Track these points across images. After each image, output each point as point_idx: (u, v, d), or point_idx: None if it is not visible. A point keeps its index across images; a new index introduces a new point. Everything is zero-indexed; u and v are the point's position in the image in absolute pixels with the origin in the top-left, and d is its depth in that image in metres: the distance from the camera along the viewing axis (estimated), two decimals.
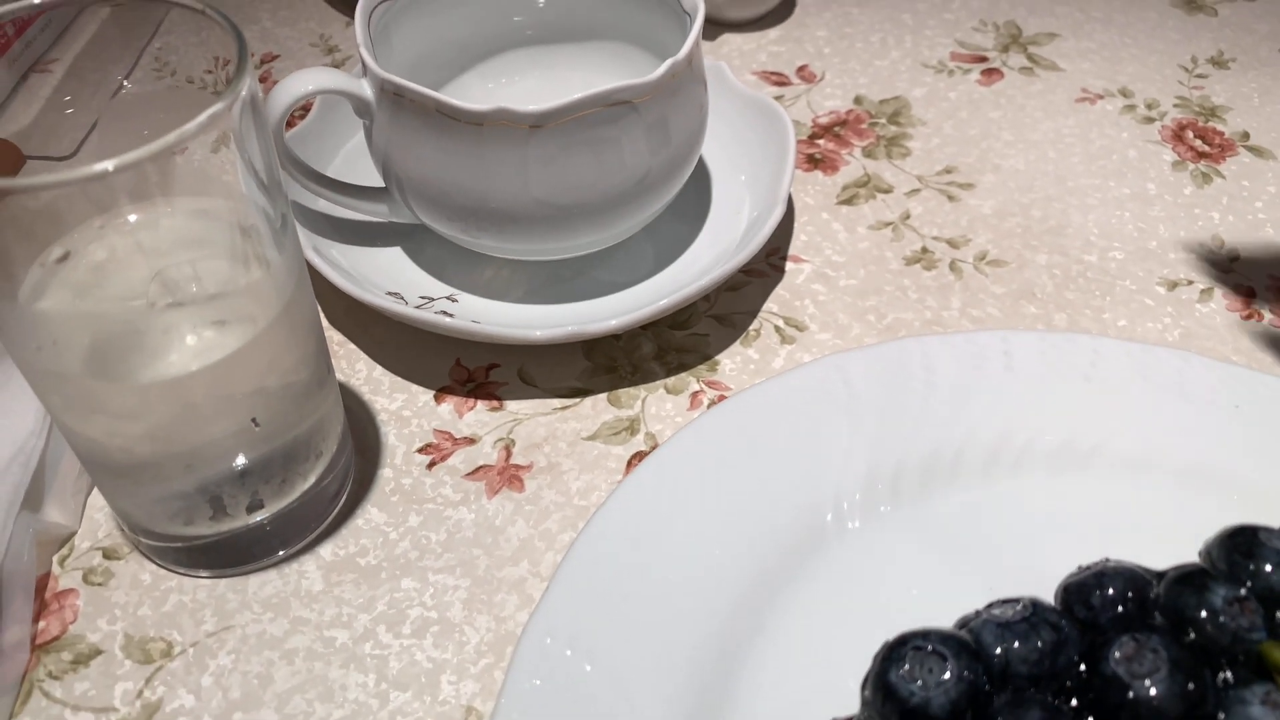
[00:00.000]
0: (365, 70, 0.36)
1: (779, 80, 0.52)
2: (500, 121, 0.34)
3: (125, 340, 0.27)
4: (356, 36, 0.37)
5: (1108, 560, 0.25)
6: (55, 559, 0.34)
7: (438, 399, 0.38)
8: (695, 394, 0.38)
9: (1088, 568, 0.25)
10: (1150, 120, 0.50)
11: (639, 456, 0.36)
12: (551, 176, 0.36)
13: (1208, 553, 0.25)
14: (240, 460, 0.30)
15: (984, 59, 0.54)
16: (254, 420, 0.29)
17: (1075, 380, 0.36)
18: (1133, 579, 0.24)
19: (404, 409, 0.38)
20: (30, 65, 0.41)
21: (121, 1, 0.30)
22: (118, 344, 0.27)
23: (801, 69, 0.53)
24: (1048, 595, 0.25)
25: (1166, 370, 0.36)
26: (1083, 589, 0.24)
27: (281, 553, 0.33)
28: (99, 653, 0.31)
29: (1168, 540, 0.27)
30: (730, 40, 0.55)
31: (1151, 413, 0.35)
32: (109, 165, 0.23)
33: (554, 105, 0.34)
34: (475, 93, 0.44)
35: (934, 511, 0.33)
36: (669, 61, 0.35)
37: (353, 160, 0.44)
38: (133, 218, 0.28)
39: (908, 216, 0.45)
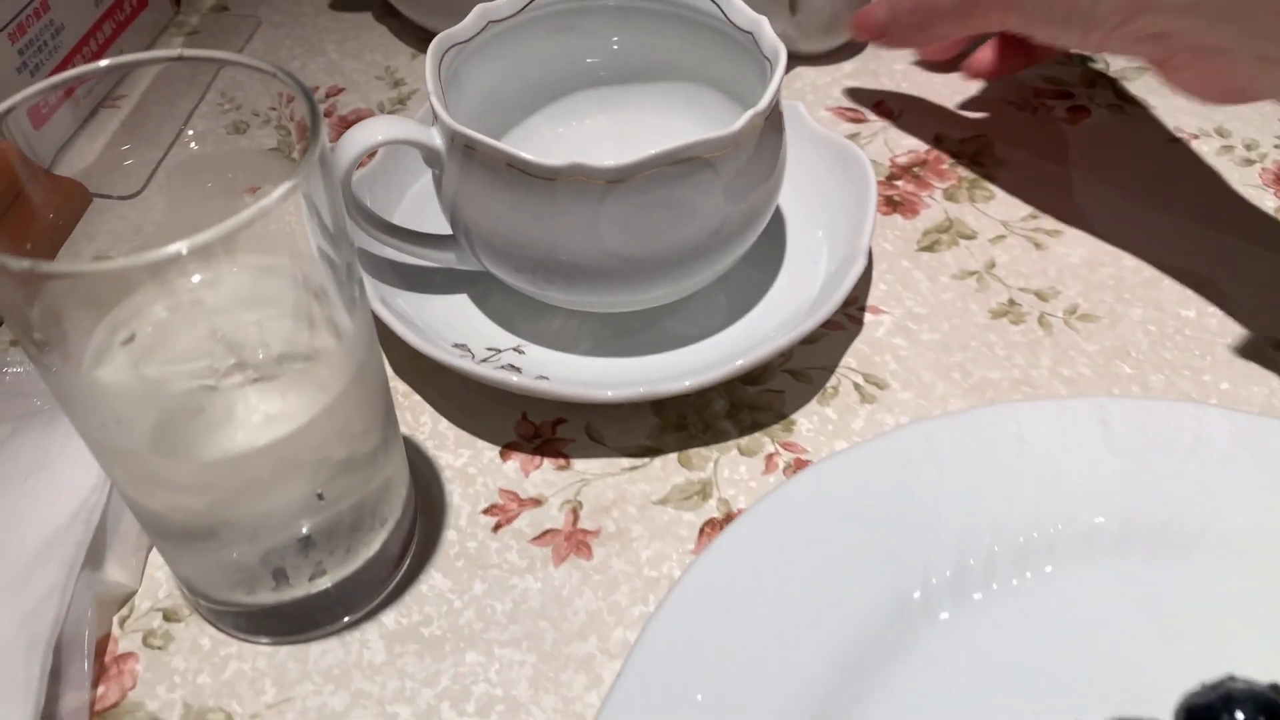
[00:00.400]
0: (435, 119, 0.35)
1: (855, 117, 0.51)
2: (575, 177, 0.33)
3: (190, 415, 0.26)
4: (427, 83, 0.36)
5: (1232, 678, 0.23)
6: (115, 619, 0.33)
7: (503, 455, 0.37)
8: (770, 456, 0.37)
9: (1211, 686, 0.23)
10: (1250, 162, 0.47)
11: (711, 524, 0.35)
12: (624, 231, 0.34)
13: None
14: (304, 530, 0.29)
15: (1070, 95, 0.51)
16: (319, 494, 0.28)
17: (1178, 454, 0.33)
18: (1265, 705, 0.22)
19: (469, 465, 0.37)
20: (99, 101, 0.40)
21: (190, 59, 0.29)
22: (182, 419, 0.26)
23: (878, 104, 0.51)
24: (1153, 700, 0.23)
25: (1276, 442, 0.34)
26: (1209, 713, 0.22)
27: (344, 620, 0.32)
28: None
29: None
30: (803, 74, 0.53)
31: (1263, 491, 0.33)
32: (182, 248, 0.22)
33: (629, 162, 0.33)
34: (544, 135, 0.43)
35: (1029, 597, 0.31)
36: (748, 114, 0.34)
37: (420, 203, 0.43)
38: (196, 278, 0.28)
39: (993, 265, 0.43)
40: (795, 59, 0.53)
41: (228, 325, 0.28)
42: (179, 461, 0.26)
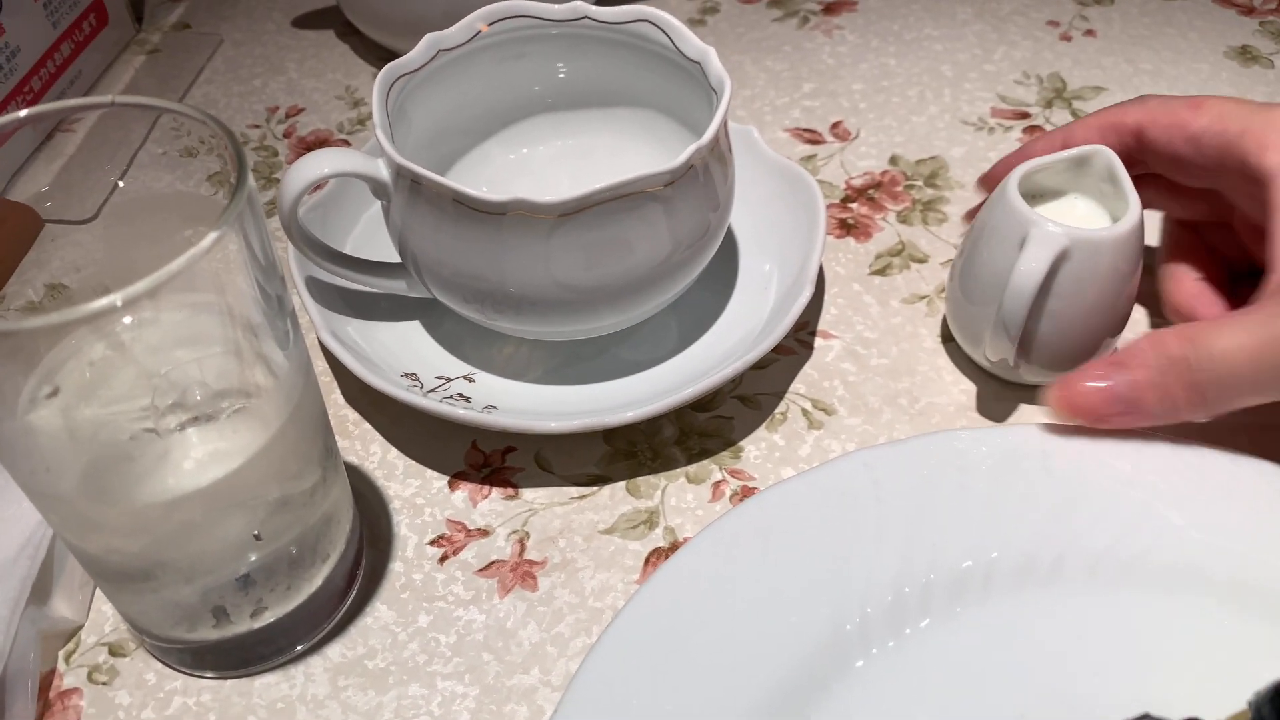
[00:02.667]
0: (382, 151, 0.35)
1: (812, 138, 0.51)
2: (521, 212, 0.33)
3: (122, 461, 0.26)
4: (374, 116, 0.36)
5: (1147, 716, 0.23)
6: (60, 654, 0.33)
7: (452, 485, 0.37)
8: (718, 484, 0.37)
9: None
10: None
11: (657, 553, 0.35)
12: (573, 264, 0.35)
13: (1257, 708, 0.24)
14: (243, 570, 0.29)
15: (1026, 114, 0.52)
16: (257, 534, 0.28)
17: (1117, 483, 0.34)
18: None
19: (417, 495, 0.37)
20: (54, 125, 0.40)
21: (119, 105, 0.29)
22: (114, 465, 0.26)
23: (835, 125, 0.52)
24: None
25: (1216, 472, 0.34)
26: None
27: (289, 653, 0.32)
28: None
29: (1215, 675, 0.25)
30: (763, 94, 0.53)
31: (1199, 519, 0.33)
32: (116, 300, 0.22)
33: (574, 196, 0.33)
34: (498, 160, 0.43)
35: (964, 631, 0.31)
36: (692, 148, 0.34)
37: (374, 227, 0.43)
38: (128, 319, 0.28)
39: (942, 289, 0.43)
40: (1019, 387, 0.40)
41: (164, 365, 0.28)
42: (111, 507, 0.26)
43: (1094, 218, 0.38)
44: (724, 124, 0.36)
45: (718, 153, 0.36)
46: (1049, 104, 0.52)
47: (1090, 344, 0.37)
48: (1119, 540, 0.33)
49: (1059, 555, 0.33)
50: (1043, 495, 0.34)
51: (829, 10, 0.60)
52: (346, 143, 0.52)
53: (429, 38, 0.39)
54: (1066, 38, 0.56)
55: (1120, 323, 0.37)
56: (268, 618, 0.31)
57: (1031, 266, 0.34)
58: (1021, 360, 0.37)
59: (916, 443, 0.35)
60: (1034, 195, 0.38)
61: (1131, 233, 0.35)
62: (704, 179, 0.36)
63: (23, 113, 0.27)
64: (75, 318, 0.22)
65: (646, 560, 0.35)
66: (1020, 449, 0.35)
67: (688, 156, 0.34)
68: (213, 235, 0.23)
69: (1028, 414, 0.39)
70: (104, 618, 0.34)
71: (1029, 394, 0.39)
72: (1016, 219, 0.36)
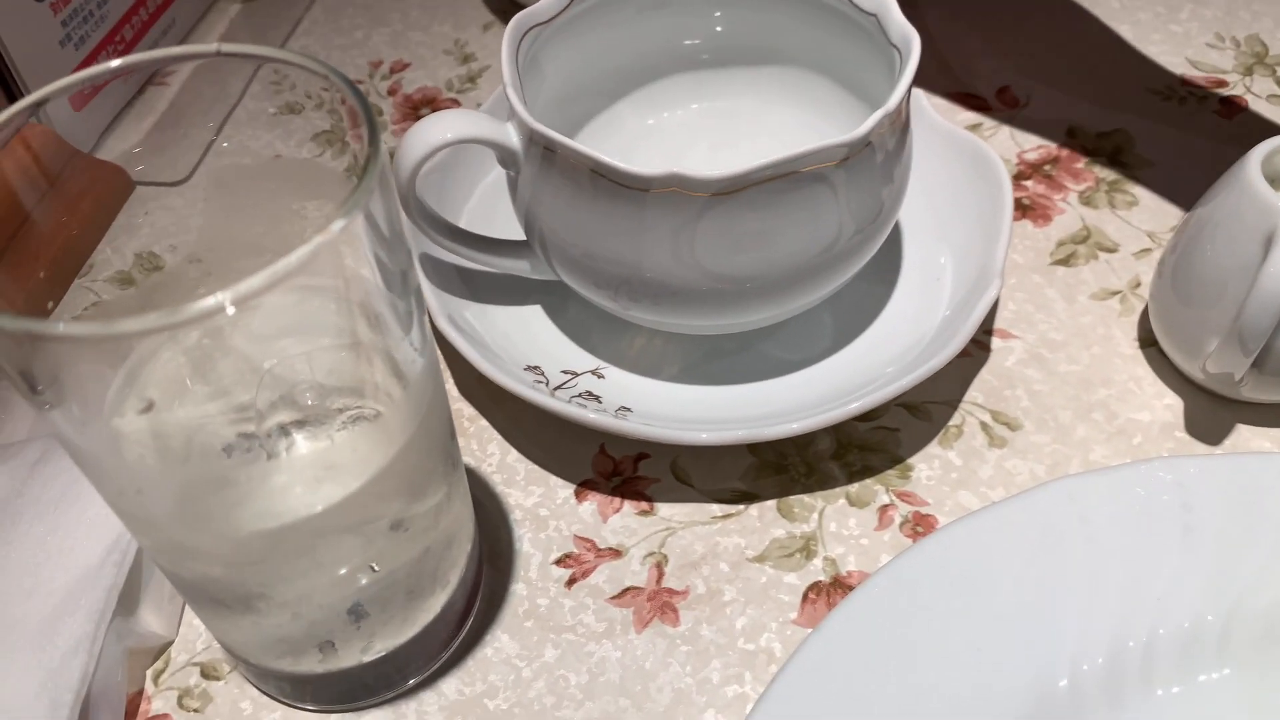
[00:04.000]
0: (512, 114, 0.31)
1: (976, 105, 0.45)
2: (671, 189, 0.28)
3: (222, 483, 0.22)
4: (504, 72, 0.31)
5: None
6: (149, 673, 0.30)
7: (579, 495, 0.33)
8: (884, 508, 0.32)
9: None
10: None
11: (816, 589, 0.30)
12: (724, 249, 0.30)
13: None
14: (354, 601, 0.25)
15: (1223, 83, 0.45)
16: (372, 565, 0.24)
17: None
18: None
19: (540, 506, 0.33)
20: (147, 78, 0.36)
21: (228, 54, 0.24)
22: (213, 487, 0.22)
23: (1002, 91, 0.46)
24: None
25: None
26: None
27: (400, 687, 0.29)
28: None
29: None
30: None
31: None
32: (226, 300, 0.18)
33: (735, 172, 0.28)
34: (631, 127, 0.39)
35: (1200, 701, 0.26)
36: (877, 116, 0.29)
37: (492, 199, 0.39)
38: (230, 310, 0.24)
39: (1138, 284, 0.38)
40: (1238, 404, 0.34)
41: (269, 358, 0.24)
42: (209, 533, 0.22)
43: None
44: (909, 89, 0.30)
45: (900, 123, 0.31)
46: (1248, 70, 0.46)
47: None
48: None
49: None
50: None
51: None
52: (457, 102, 0.47)
53: None
54: None
55: None
56: (378, 650, 0.27)
57: None
58: (1250, 375, 0.32)
59: (1130, 471, 0.29)
60: (1274, 181, 0.32)
61: None
62: (882, 154, 0.31)
63: (115, 63, 0.23)
64: (177, 321, 0.18)
65: (805, 596, 0.30)
66: (1258, 482, 0.29)
67: (870, 127, 0.29)
68: (340, 223, 0.19)
69: (1246, 436, 0.33)
70: (196, 633, 0.30)
71: (1248, 413, 0.34)
72: (1260, 209, 0.30)
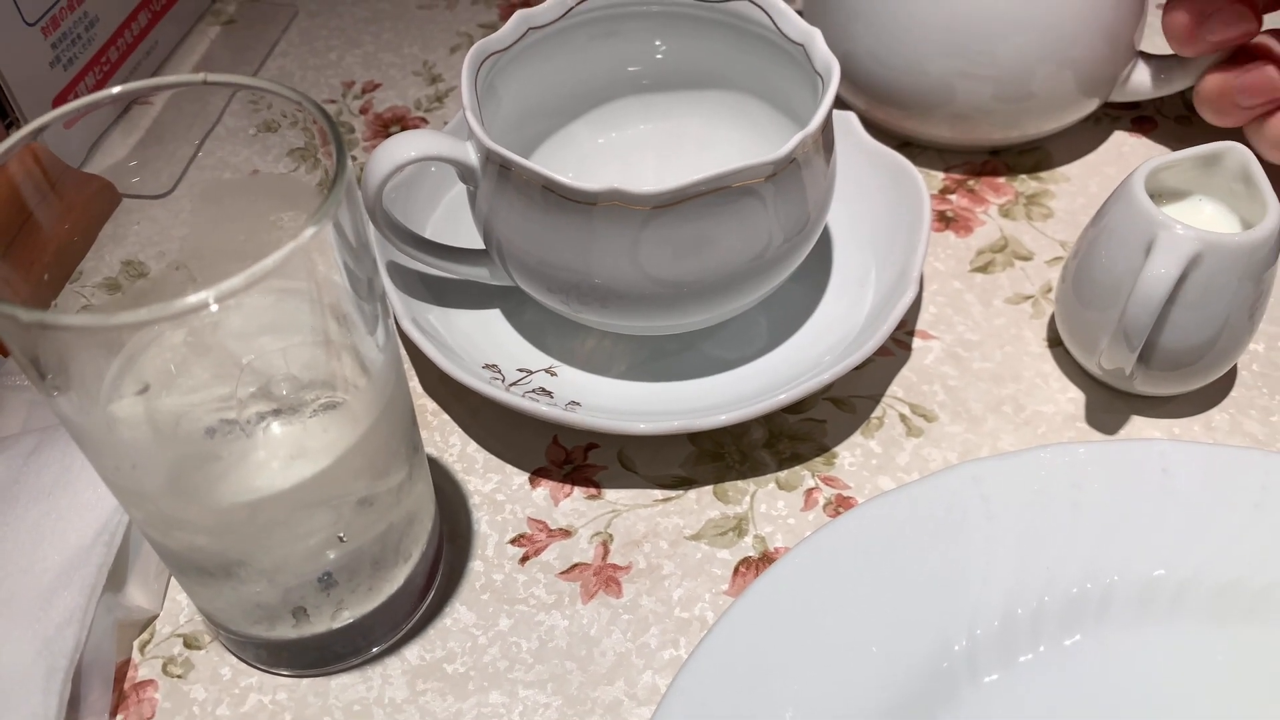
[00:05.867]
0: (471, 134, 0.34)
1: None
2: (614, 203, 0.31)
3: (207, 459, 0.25)
4: (464, 96, 0.34)
5: None
6: (135, 644, 0.32)
7: (533, 482, 0.36)
8: (810, 491, 0.35)
9: None
10: None
11: (746, 563, 0.33)
12: (665, 257, 0.33)
13: None
14: (324, 570, 0.28)
15: (1136, 105, 0.49)
16: (340, 536, 0.27)
17: (1244, 508, 0.32)
18: None
19: (497, 492, 0.36)
20: (133, 98, 0.39)
21: (212, 83, 0.27)
22: (199, 462, 0.25)
23: None
24: None
25: None
26: None
27: (366, 654, 0.31)
28: None
29: None
30: None
31: None
32: (210, 297, 0.21)
33: (671, 188, 0.31)
34: (584, 144, 0.42)
35: (1079, 661, 0.30)
36: (797, 137, 0.32)
37: (455, 210, 0.42)
38: (214, 307, 0.27)
39: (1049, 290, 0.41)
40: (1132, 397, 0.38)
41: (248, 353, 0.27)
42: (196, 505, 0.25)
43: (1221, 221, 0.36)
44: (830, 111, 0.34)
45: (823, 141, 0.34)
46: None
47: (1214, 356, 0.35)
48: (1252, 569, 0.30)
49: (1183, 583, 0.30)
50: (1166, 517, 0.31)
51: None
52: (424, 120, 0.50)
53: (519, 14, 0.37)
54: None
55: (1248, 334, 0.35)
56: (347, 618, 0.30)
57: (1160, 273, 0.32)
58: (1139, 370, 0.35)
59: (1028, 456, 0.33)
60: (1157, 195, 0.35)
61: (1269, 238, 0.33)
62: (806, 170, 0.34)
63: (114, 90, 0.26)
64: (167, 314, 0.21)
65: (735, 570, 0.33)
66: (1140, 465, 0.32)
67: (792, 147, 0.32)
68: (311, 230, 0.22)
69: (1140, 426, 0.37)
70: (179, 608, 0.33)
71: (1142, 405, 0.37)
72: (1143, 220, 0.33)
